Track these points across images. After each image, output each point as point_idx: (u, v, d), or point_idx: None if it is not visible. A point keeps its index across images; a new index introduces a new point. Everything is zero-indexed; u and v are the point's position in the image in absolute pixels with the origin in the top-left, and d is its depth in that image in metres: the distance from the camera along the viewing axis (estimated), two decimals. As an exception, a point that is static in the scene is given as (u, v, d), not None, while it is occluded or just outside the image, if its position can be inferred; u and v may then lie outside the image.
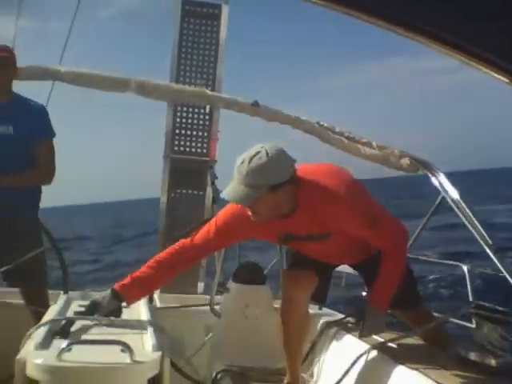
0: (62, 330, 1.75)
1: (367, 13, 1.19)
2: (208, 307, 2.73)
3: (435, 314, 2.37)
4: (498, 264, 2.93)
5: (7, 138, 2.79)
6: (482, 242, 3.00)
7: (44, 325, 1.78)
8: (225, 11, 4.04)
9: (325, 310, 3.13)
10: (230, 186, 2.00)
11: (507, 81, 1.38)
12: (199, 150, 3.98)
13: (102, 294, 2.02)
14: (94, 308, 1.95)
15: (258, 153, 1.94)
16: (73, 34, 3.86)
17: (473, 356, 1.99)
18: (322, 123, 3.81)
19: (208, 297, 2.77)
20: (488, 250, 2.99)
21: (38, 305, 2.59)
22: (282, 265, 2.98)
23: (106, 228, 34.36)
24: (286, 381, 2.41)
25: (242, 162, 1.95)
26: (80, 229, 33.09)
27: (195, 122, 4.04)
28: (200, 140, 4.04)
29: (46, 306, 2.34)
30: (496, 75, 1.37)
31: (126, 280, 2.07)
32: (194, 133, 4.03)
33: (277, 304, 2.85)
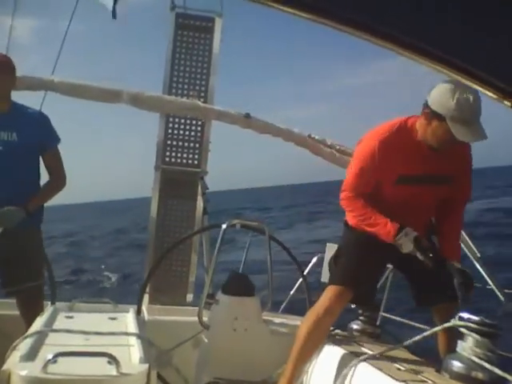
0: (48, 341, 1.73)
1: (359, 28, 1.21)
2: (196, 319, 2.72)
3: (422, 327, 2.37)
4: (486, 277, 2.96)
5: (13, 146, 2.81)
6: (470, 255, 3.03)
7: (30, 336, 1.77)
8: (218, 24, 4.08)
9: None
10: (479, 126, 2.12)
11: (495, 97, 1.41)
12: (190, 161, 4.00)
13: None
14: None
15: (468, 88, 2.04)
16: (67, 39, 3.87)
17: (460, 369, 1.99)
18: (313, 136, 3.83)
19: (196, 308, 2.75)
20: (476, 263, 3.02)
21: (33, 315, 2.58)
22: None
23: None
24: None
25: (474, 100, 2.08)
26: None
27: (187, 133, 4.06)
28: (192, 151, 4.05)
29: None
30: (483, 90, 1.39)
31: None
32: (186, 144, 4.05)
33: (265, 316, 2.86)
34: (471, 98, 2.09)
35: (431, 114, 2.19)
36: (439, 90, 2.16)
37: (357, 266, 2.42)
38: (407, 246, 2.23)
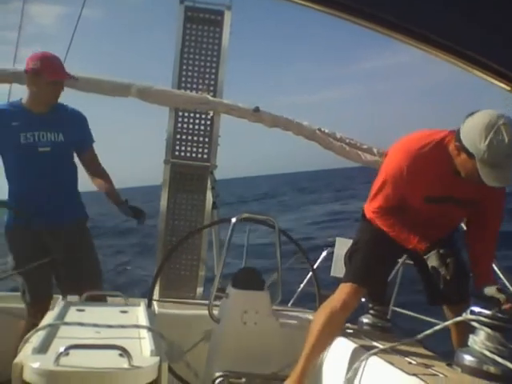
0: (60, 334, 1.75)
1: (367, 19, 1.20)
2: (206, 312, 2.72)
3: (432, 320, 2.36)
4: (497, 270, 2.93)
5: (59, 146, 2.84)
6: None
7: (42, 329, 1.78)
8: (227, 17, 4.05)
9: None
10: (510, 166, 1.99)
11: (509, 88, 1.39)
12: (200, 156, 3.99)
13: None
14: None
15: (506, 126, 1.94)
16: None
17: (472, 362, 1.98)
18: (323, 129, 3.82)
19: (207, 302, 2.76)
20: None
21: None
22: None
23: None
24: None
25: (509, 142, 1.92)
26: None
27: (196, 127, 4.05)
28: (201, 145, 4.04)
29: None
30: (498, 83, 1.37)
31: None
32: (195, 138, 4.04)
33: (275, 310, 2.86)
34: (506, 139, 1.92)
35: (461, 148, 2.06)
36: (473, 124, 2.00)
37: (373, 264, 2.41)
38: (431, 260, 2.21)
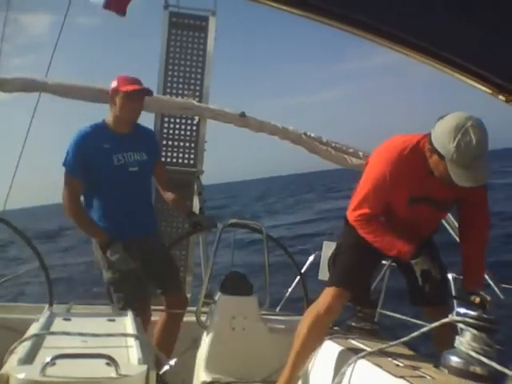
0: (46, 344, 1.73)
1: (355, 24, 1.21)
2: (194, 319, 2.72)
3: (419, 322, 2.37)
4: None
5: (145, 165, 2.97)
6: None
7: (27, 339, 1.76)
8: (212, 23, 4.07)
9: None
10: (480, 170, 2.04)
11: (490, 91, 1.41)
12: (186, 161, 3.99)
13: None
14: None
15: (474, 129, 1.98)
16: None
17: (458, 364, 1.99)
18: (308, 134, 3.84)
19: (194, 308, 2.75)
20: None
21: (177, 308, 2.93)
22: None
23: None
24: None
25: (477, 143, 1.96)
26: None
27: (182, 132, 4.06)
28: (187, 151, 4.05)
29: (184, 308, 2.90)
30: (480, 86, 1.40)
31: None
32: (181, 143, 4.04)
33: (263, 315, 2.86)
34: (474, 140, 1.97)
35: (433, 150, 2.12)
36: (442, 127, 2.07)
37: (356, 267, 2.42)
38: (423, 264, 2.23)
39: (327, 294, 2.40)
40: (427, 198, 2.31)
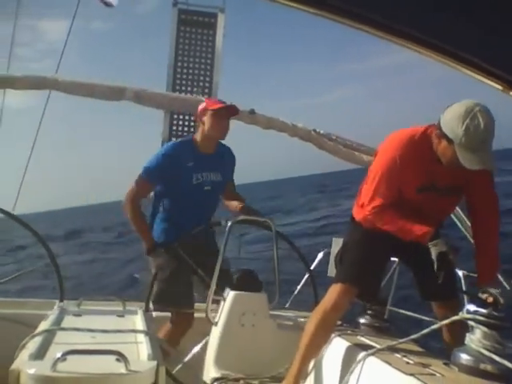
0: (56, 340, 1.74)
1: (357, 20, 1.20)
2: (204, 315, 2.72)
3: (429, 319, 2.36)
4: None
5: (217, 185, 3.15)
6: (471, 239, 3.02)
7: (38, 335, 1.77)
8: (221, 20, 4.07)
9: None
10: (488, 155, 2.08)
11: (501, 88, 1.40)
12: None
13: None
14: None
15: (482, 114, 2.04)
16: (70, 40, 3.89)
17: (469, 361, 1.98)
18: (318, 130, 3.82)
19: (204, 305, 2.76)
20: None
21: None
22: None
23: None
24: None
25: (485, 127, 2.02)
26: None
27: (192, 129, 4.06)
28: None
29: None
30: (490, 82, 1.38)
31: None
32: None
33: (272, 311, 2.86)
34: (482, 124, 2.03)
35: (441, 135, 2.16)
36: (451, 112, 2.12)
37: (363, 263, 2.42)
38: (441, 247, 2.19)
39: (333, 291, 2.40)
40: (432, 186, 2.33)
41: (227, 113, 3.05)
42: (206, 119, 3.03)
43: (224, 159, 3.21)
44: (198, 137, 3.11)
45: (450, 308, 2.30)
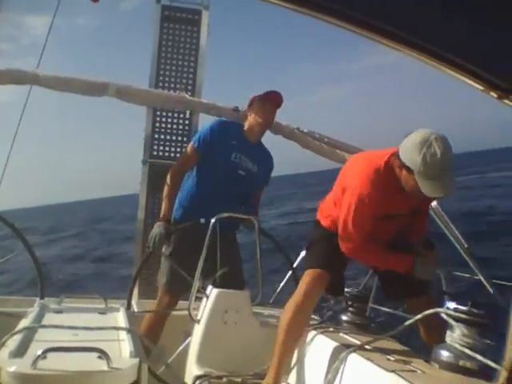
0: (37, 337, 1.72)
1: (354, 22, 1.20)
2: (186, 312, 2.71)
3: (408, 316, 2.39)
4: (474, 267, 2.99)
5: (252, 175, 3.18)
6: (457, 245, 3.06)
7: (19, 332, 1.75)
8: (205, 17, 4.04)
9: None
10: (447, 181, 2.14)
11: (482, 88, 1.42)
12: (178, 155, 3.97)
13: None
14: None
15: (438, 141, 2.10)
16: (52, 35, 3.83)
17: (449, 358, 2.01)
18: (301, 129, 3.83)
19: (187, 302, 2.75)
20: (463, 253, 3.05)
21: None
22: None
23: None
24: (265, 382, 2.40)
25: (442, 155, 2.08)
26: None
27: (174, 126, 4.04)
28: (179, 145, 4.03)
29: None
30: (471, 82, 1.40)
31: None
32: (174, 137, 4.02)
33: (255, 309, 2.86)
34: (439, 152, 2.08)
35: (401, 165, 2.22)
36: (409, 142, 2.18)
37: (328, 252, 2.49)
38: (427, 273, 2.38)
39: (305, 279, 2.47)
40: (403, 212, 2.45)
41: (272, 100, 3.15)
42: (254, 108, 3.15)
43: (263, 158, 3.27)
44: (246, 126, 3.21)
45: (420, 305, 2.34)
